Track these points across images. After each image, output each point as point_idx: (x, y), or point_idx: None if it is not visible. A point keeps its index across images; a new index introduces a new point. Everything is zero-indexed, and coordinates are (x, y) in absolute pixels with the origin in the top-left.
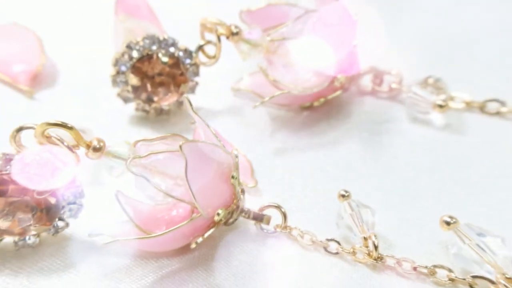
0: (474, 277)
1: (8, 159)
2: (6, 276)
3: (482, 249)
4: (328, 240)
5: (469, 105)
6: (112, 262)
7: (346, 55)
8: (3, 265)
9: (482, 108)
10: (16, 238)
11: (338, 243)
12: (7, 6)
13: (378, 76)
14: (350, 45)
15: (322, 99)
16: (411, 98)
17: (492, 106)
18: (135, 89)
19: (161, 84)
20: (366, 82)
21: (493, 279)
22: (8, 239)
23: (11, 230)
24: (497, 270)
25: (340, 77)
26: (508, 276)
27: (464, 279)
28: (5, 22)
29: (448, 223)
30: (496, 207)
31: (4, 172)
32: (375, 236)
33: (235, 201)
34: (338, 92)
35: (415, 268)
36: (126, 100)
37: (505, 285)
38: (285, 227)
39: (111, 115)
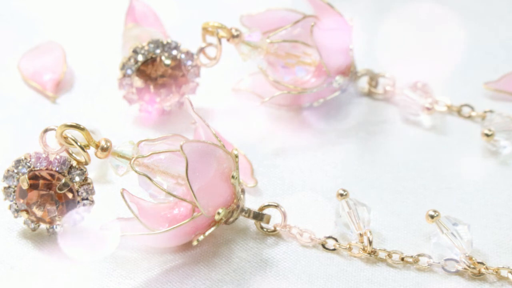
0: (446, 260)
1: (38, 157)
2: (45, 255)
3: (455, 236)
4: (326, 237)
5: (450, 109)
6: (121, 255)
7: (344, 58)
8: (42, 246)
9: (459, 112)
10: (48, 226)
11: (336, 240)
12: (34, 21)
13: (374, 78)
14: (347, 49)
15: (321, 100)
16: (403, 101)
17: (466, 110)
18: (139, 91)
19: (163, 85)
20: (363, 83)
21: (458, 259)
22: (43, 226)
23: (44, 219)
24: (461, 251)
25: (338, 79)
26: (467, 255)
27: (438, 262)
28: (42, 41)
29: (432, 217)
30: (466, 198)
31: (35, 169)
32: (370, 232)
33: (235, 200)
34: (337, 93)
35: (402, 259)
36: (130, 101)
37: (464, 262)
38: (285, 226)
39: (118, 116)
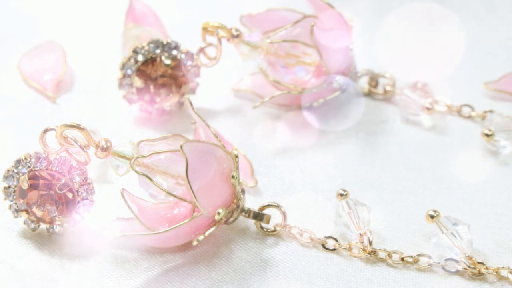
0: (446, 259)
1: (38, 157)
2: (45, 255)
3: (455, 236)
4: (326, 237)
5: (450, 109)
6: (122, 255)
7: (344, 58)
8: (43, 246)
9: (459, 112)
10: (48, 226)
11: (336, 240)
12: (34, 21)
13: (374, 78)
14: (347, 49)
15: (321, 100)
16: (403, 101)
17: (466, 110)
18: (139, 91)
19: (163, 85)
20: (363, 83)
21: (458, 259)
22: (43, 226)
23: (44, 219)
24: (462, 251)
25: (338, 79)
26: (467, 255)
27: (438, 262)
28: (42, 41)
29: (432, 217)
30: (466, 198)
31: (35, 169)
32: (370, 232)
33: (235, 200)
34: (337, 93)
35: (402, 259)
36: (130, 101)
37: (464, 262)
38: (285, 226)
39: (118, 116)
